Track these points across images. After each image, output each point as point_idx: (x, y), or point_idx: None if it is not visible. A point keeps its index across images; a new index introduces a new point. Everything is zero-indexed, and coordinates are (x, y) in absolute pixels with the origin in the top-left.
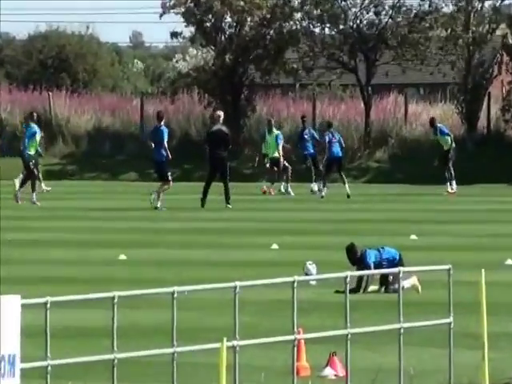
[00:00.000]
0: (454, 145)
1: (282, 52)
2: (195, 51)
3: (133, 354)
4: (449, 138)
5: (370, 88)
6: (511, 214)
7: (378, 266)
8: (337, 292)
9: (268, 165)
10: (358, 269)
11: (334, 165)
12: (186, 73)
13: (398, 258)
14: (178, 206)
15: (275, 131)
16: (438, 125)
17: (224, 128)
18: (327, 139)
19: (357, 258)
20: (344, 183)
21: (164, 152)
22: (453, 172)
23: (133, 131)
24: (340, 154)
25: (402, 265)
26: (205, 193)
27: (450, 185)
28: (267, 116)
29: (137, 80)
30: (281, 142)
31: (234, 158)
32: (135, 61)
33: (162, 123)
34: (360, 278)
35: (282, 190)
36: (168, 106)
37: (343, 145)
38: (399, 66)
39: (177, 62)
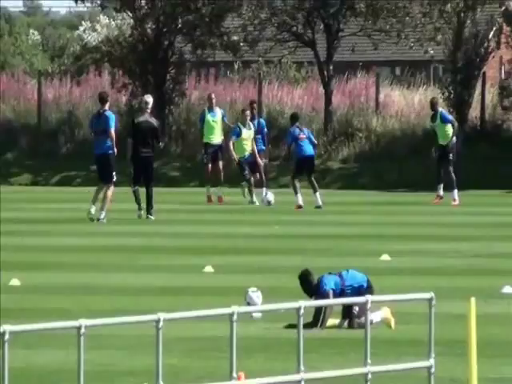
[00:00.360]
0: (454, 139)
1: (219, 19)
2: (107, 19)
3: None
4: (450, 129)
5: (331, 67)
6: (509, 228)
7: (339, 294)
8: (288, 327)
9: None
10: (316, 299)
11: (304, 167)
12: (96, 46)
13: (365, 284)
14: (77, 217)
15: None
16: (441, 109)
17: (153, 119)
18: (294, 134)
19: (313, 288)
20: (315, 191)
21: (110, 143)
22: (454, 177)
23: (28, 121)
24: (312, 153)
25: (371, 293)
26: (138, 200)
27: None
28: (201, 102)
29: (33, 56)
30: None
31: (158, 157)
32: (30, 31)
33: (107, 107)
34: (318, 310)
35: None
36: (73, 90)
37: (315, 142)
38: (369, 39)
39: (84, 31)
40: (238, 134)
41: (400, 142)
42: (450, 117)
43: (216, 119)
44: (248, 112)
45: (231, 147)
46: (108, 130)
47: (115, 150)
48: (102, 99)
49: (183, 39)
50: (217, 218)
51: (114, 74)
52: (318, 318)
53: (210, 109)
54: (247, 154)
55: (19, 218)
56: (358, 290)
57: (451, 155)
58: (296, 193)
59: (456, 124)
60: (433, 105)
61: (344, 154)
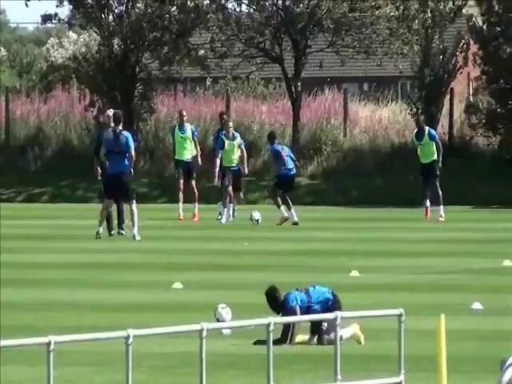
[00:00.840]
0: (436, 156)
1: (186, 35)
2: (75, 35)
3: None
4: (434, 146)
5: (299, 83)
6: (478, 244)
7: (306, 311)
8: (257, 343)
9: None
10: (283, 316)
11: (285, 183)
12: (62, 64)
13: (331, 298)
14: (49, 233)
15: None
16: (427, 127)
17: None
18: (279, 151)
19: (279, 304)
20: (289, 208)
21: (128, 162)
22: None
23: None
24: (294, 171)
25: (339, 308)
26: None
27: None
28: (169, 119)
29: (0, 72)
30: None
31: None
32: None
33: (121, 126)
34: (286, 327)
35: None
36: (41, 106)
37: (294, 159)
38: (337, 55)
39: (52, 47)
40: (222, 146)
41: (367, 158)
42: (437, 135)
43: (185, 136)
44: (231, 123)
45: (217, 163)
46: (128, 150)
47: (132, 169)
48: (117, 119)
49: (150, 55)
50: (186, 234)
51: (82, 91)
52: (286, 334)
53: (181, 125)
54: (234, 164)
55: None
56: (326, 304)
57: (438, 171)
58: (279, 206)
59: (440, 143)
60: (419, 123)
61: (312, 169)
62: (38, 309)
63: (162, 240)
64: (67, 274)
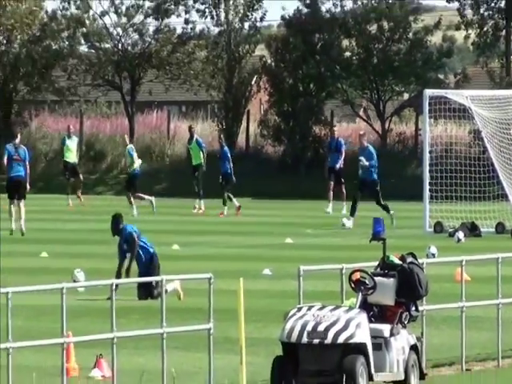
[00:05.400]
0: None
1: (49, 69)
2: None
3: None
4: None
5: (134, 105)
6: (264, 226)
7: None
8: (108, 299)
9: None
10: (119, 237)
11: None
12: None
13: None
14: None
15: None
16: (368, 144)
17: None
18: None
19: (118, 229)
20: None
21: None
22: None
23: None
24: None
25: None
26: None
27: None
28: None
29: None
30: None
31: None
32: None
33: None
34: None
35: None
36: None
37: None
38: (162, 84)
39: None
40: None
41: (184, 163)
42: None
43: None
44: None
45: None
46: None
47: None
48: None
49: (24, 84)
50: (47, 216)
51: None
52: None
53: (69, 136)
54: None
55: None
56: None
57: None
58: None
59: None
60: (362, 139)
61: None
62: None
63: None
64: None
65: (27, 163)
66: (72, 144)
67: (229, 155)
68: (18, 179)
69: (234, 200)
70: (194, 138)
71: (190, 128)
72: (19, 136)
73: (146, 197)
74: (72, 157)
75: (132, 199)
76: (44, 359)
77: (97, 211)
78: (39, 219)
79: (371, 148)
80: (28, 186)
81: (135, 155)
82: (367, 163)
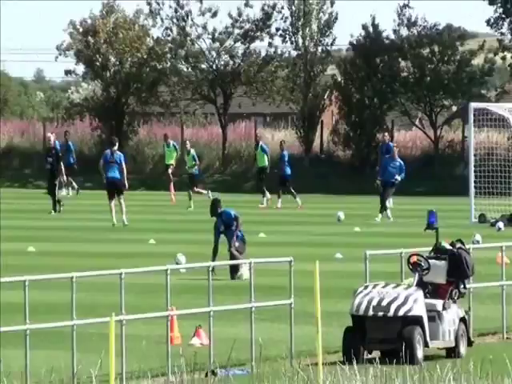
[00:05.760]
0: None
1: (155, 86)
2: (86, 85)
3: (41, 326)
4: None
5: (226, 116)
6: (335, 217)
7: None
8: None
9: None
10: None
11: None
12: (78, 102)
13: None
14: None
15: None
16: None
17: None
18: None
19: (217, 212)
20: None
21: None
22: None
23: (38, 150)
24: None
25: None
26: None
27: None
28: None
29: (39, 108)
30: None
31: None
32: (38, 92)
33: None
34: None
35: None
36: (69, 129)
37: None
38: (250, 99)
39: (72, 93)
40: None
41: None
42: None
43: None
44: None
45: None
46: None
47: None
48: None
49: (134, 98)
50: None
51: (91, 120)
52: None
53: (168, 144)
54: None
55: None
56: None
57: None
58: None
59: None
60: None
61: (234, 169)
62: (61, 254)
63: (138, 213)
64: (78, 235)
65: (123, 166)
66: (170, 149)
67: (286, 159)
68: (112, 180)
69: (298, 198)
70: (260, 145)
71: (256, 136)
72: (117, 143)
73: (204, 191)
74: (170, 160)
75: (191, 194)
76: (152, 329)
77: (197, 205)
78: (146, 212)
79: (401, 162)
80: (126, 185)
81: (197, 159)
82: (399, 178)
